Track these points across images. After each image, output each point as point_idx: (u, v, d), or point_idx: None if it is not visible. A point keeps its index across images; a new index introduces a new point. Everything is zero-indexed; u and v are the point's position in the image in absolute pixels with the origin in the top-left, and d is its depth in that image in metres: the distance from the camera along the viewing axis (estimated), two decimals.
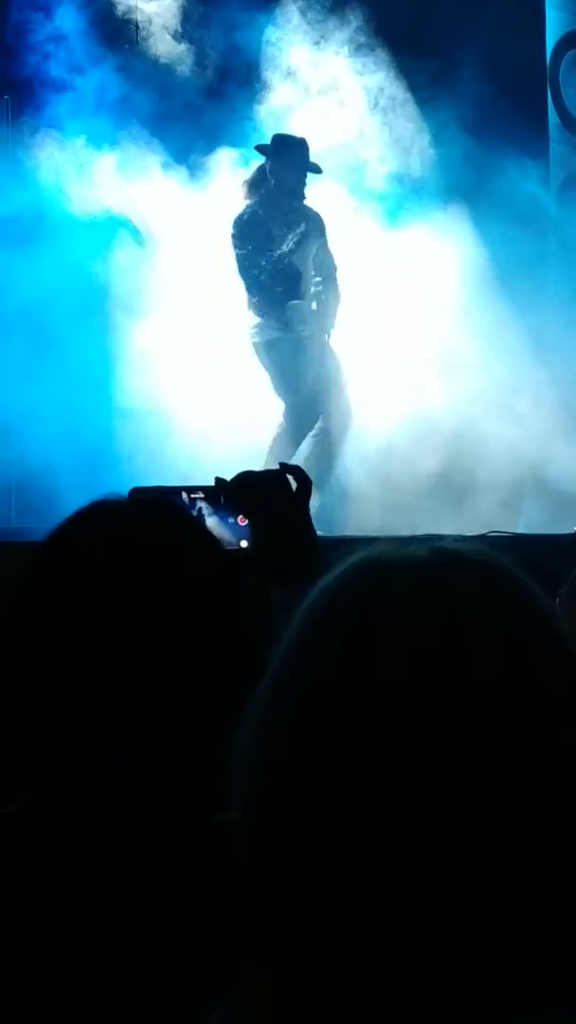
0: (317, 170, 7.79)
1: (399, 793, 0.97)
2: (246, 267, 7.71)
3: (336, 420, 7.75)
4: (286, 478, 2.26)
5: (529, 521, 7.80)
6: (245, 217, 7.74)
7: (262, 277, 7.68)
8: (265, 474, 2.26)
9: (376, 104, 8.33)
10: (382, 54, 8.30)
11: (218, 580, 1.70)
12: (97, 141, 8.10)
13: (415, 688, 0.99)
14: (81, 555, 1.69)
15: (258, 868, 1.01)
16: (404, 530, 7.46)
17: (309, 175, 7.78)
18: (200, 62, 8.26)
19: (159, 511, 1.78)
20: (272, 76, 8.27)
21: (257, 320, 7.75)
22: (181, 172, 8.14)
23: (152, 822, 1.46)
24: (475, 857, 0.96)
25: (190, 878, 1.42)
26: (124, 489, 2.25)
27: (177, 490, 2.36)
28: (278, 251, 7.70)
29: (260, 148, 7.83)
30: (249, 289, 7.74)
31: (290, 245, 7.72)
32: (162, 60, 8.26)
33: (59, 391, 7.67)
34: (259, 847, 1.01)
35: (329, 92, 8.29)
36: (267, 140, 8.01)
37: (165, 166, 8.12)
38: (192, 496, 2.34)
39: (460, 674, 0.99)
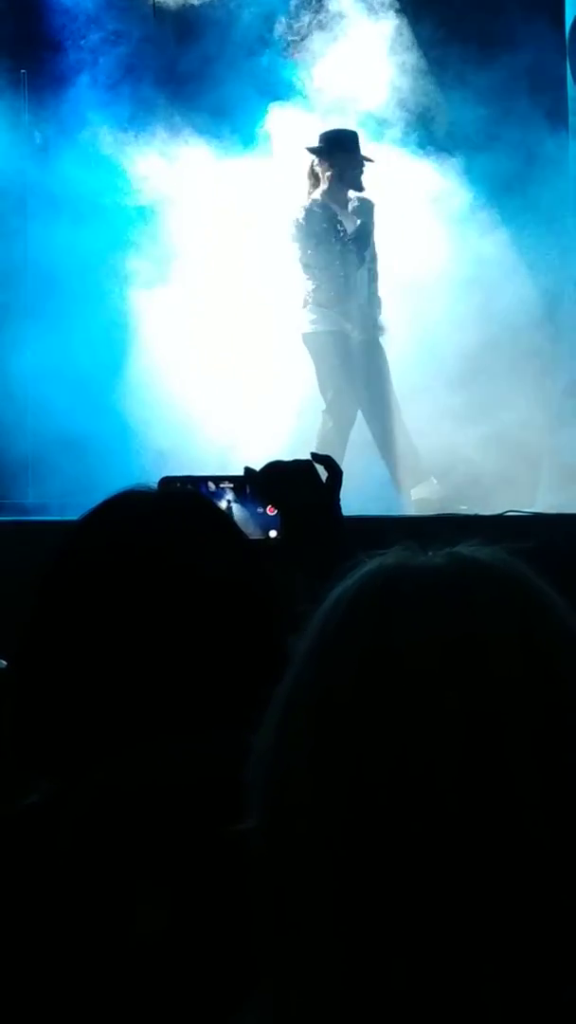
0: (367, 160, 7.79)
1: (421, 800, 0.97)
2: (310, 256, 7.70)
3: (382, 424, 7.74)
4: (315, 468, 2.25)
5: (546, 500, 7.78)
6: (309, 207, 7.73)
7: (328, 268, 7.68)
8: (294, 464, 2.25)
9: (393, 74, 8.30)
10: (402, 24, 8.28)
11: (245, 574, 1.69)
12: (115, 114, 8.06)
13: (434, 693, 0.99)
14: (109, 546, 1.68)
15: (277, 876, 1.01)
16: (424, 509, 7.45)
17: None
18: (221, 23, 8.20)
19: (187, 503, 1.78)
20: (288, 28, 8.26)
21: (317, 311, 7.70)
22: (209, 141, 8.11)
23: (171, 819, 1.46)
24: (499, 861, 0.97)
25: (208, 878, 1.42)
26: (142, 470, 2.24)
27: (206, 479, 2.35)
28: (341, 243, 7.70)
29: (313, 150, 7.79)
30: (312, 278, 7.71)
31: (352, 235, 7.74)
32: (180, 25, 8.21)
33: (78, 367, 7.66)
34: (277, 855, 1.01)
35: (342, 56, 8.25)
36: (296, 88, 8.01)
37: (188, 136, 8.09)
38: (220, 485, 2.33)
39: (480, 678, 0.99)
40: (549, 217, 8.25)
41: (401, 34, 8.29)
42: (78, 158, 8.01)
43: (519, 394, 8.02)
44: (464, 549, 1.07)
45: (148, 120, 8.11)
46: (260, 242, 8.01)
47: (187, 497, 1.85)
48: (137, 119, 8.10)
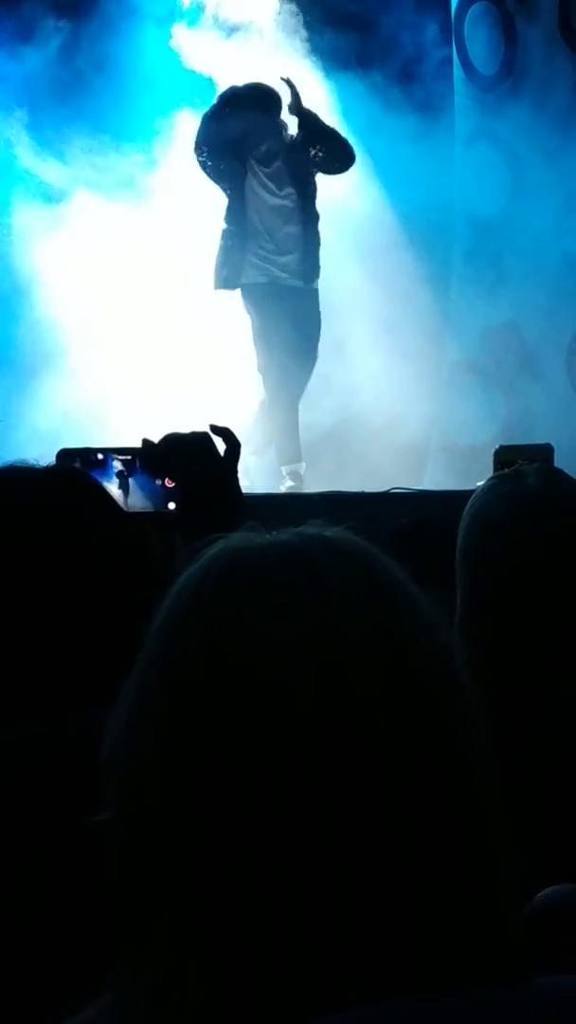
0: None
1: (276, 782, 0.98)
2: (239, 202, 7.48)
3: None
4: (212, 440, 2.26)
5: (434, 477, 7.84)
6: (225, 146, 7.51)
7: (256, 215, 7.50)
8: (191, 436, 2.25)
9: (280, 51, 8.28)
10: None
11: (118, 556, 1.72)
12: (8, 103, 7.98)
13: (284, 666, 0.99)
14: None
15: (134, 868, 1.01)
16: (311, 486, 7.47)
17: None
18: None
19: (64, 482, 1.79)
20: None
21: (252, 261, 7.46)
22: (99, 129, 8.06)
23: (36, 796, 1.47)
24: (356, 835, 0.98)
25: (59, 865, 1.43)
26: (34, 448, 2.24)
27: (98, 451, 2.33)
28: (268, 186, 7.55)
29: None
30: (241, 227, 7.49)
31: (276, 173, 7.57)
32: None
33: None
34: (134, 848, 1.01)
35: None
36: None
37: (81, 126, 8.02)
38: (116, 458, 2.32)
39: (330, 646, 1.00)
40: (432, 202, 8.27)
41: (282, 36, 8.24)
42: None
43: (407, 370, 8.06)
44: (308, 528, 1.08)
45: (40, 106, 8.01)
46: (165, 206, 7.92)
47: (65, 476, 1.86)
48: (31, 106, 7.99)
